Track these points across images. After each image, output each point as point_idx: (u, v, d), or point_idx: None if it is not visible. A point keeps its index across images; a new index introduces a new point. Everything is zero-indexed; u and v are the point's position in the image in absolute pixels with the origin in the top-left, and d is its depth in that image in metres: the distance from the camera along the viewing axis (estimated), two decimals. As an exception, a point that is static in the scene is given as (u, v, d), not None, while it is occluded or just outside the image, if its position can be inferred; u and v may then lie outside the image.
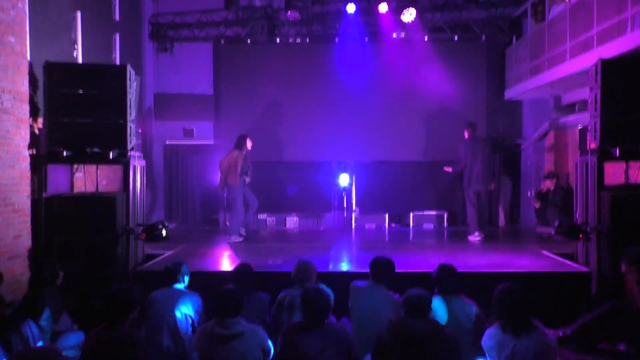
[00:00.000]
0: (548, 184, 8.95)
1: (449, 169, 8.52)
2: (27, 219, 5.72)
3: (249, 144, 8.18)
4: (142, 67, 10.10)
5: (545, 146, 10.25)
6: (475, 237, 8.24)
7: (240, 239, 8.13)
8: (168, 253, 6.91)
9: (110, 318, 3.43)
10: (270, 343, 3.54)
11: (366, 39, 10.41)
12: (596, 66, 5.70)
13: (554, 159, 10.03)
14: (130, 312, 3.52)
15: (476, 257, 6.88)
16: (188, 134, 10.79)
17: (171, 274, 4.45)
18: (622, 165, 6.26)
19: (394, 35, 9.96)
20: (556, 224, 6.07)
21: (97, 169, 6.61)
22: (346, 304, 4.31)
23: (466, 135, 8.42)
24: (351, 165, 9.98)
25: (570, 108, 9.03)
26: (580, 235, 5.84)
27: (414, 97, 10.18)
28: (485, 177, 8.30)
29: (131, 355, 3.35)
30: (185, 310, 4.25)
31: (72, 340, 4.49)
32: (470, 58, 10.25)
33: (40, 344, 3.96)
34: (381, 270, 4.29)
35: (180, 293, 4.36)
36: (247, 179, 8.22)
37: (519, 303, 3.38)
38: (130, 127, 6.03)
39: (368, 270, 4.39)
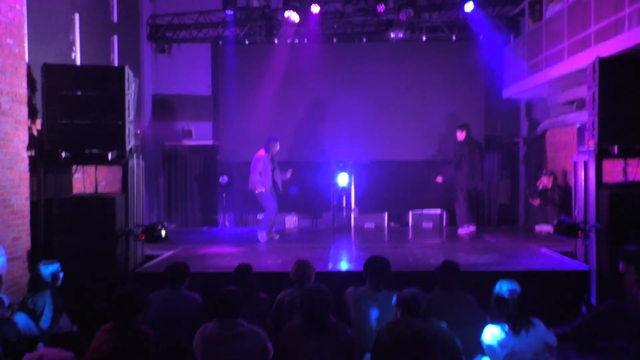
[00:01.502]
0: (545, 182, 8.96)
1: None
2: (26, 220, 5.71)
3: (274, 148, 8.32)
4: (141, 69, 10.09)
5: (544, 144, 10.26)
6: (464, 230, 8.70)
7: (266, 239, 8.24)
8: (167, 254, 6.92)
9: (121, 318, 3.41)
10: (270, 343, 3.54)
11: (364, 39, 10.42)
12: (594, 64, 5.71)
13: (552, 157, 10.04)
14: (140, 313, 3.52)
15: (475, 255, 6.89)
16: (187, 134, 10.79)
17: (173, 275, 4.45)
18: (620, 162, 6.27)
19: (392, 35, 9.96)
20: (555, 222, 6.08)
21: (96, 170, 6.60)
22: (346, 303, 4.29)
23: (461, 136, 8.58)
24: (350, 165, 9.98)
25: (568, 106, 9.04)
26: (579, 234, 5.85)
27: (412, 96, 10.19)
28: (480, 176, 8.64)
29: (143, 354, 3.34)
30: (184, 311, 4.25)
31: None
32: (468, 57, 10.25)
33: (41, 346, 3.95)
34: (377, 271, 4.22)
35: (180, 294, 4.36)
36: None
37: (518, 301, 3.38)
38: (129, 128, 6.02)
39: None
